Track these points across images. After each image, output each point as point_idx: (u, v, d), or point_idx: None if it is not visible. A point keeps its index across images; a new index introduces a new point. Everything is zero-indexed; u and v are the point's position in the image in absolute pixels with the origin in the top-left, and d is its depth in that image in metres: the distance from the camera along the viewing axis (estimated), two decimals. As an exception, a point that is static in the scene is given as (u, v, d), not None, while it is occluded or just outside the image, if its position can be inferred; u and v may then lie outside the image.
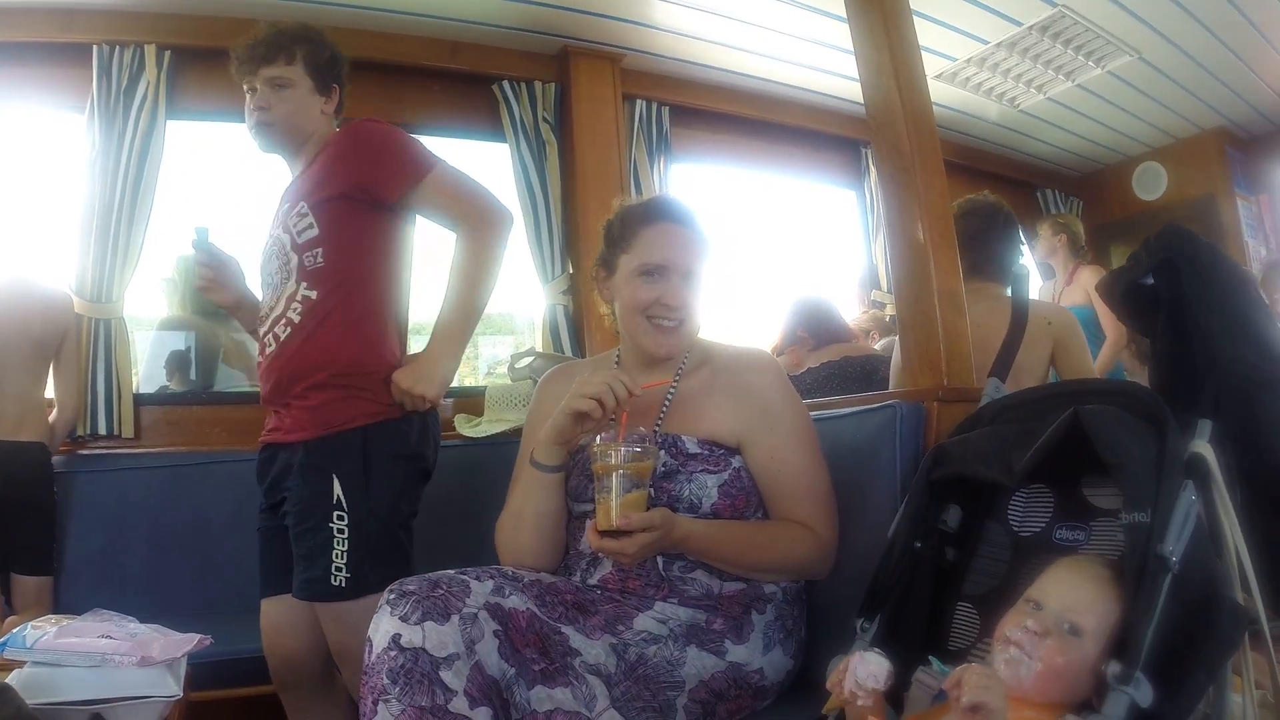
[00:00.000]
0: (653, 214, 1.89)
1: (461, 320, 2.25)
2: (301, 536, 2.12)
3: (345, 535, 2.07)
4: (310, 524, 2.10)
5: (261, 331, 2.28)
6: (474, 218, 2.25)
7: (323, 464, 2.11)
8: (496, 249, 2.26)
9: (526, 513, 1.80)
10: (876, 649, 1.33)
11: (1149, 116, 5.53)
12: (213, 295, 2.38)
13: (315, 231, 2.21)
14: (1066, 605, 1.22)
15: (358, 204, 2.21)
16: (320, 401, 2.14)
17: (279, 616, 2.26)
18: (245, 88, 2.37)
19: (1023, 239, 3.49)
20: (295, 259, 2.21)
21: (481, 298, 2.26)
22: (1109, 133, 5.77)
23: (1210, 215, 5.75)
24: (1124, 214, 6.24)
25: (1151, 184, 6.10)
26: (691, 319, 1.85)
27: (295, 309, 2.19)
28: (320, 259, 2.19)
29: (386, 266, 2.26)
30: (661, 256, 1.83)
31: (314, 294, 2.19)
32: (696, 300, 1.85)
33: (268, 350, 2.24)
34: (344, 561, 2.06)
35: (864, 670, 1.28)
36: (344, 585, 2.05)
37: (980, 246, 2.82)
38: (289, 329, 2.19)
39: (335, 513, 2.08)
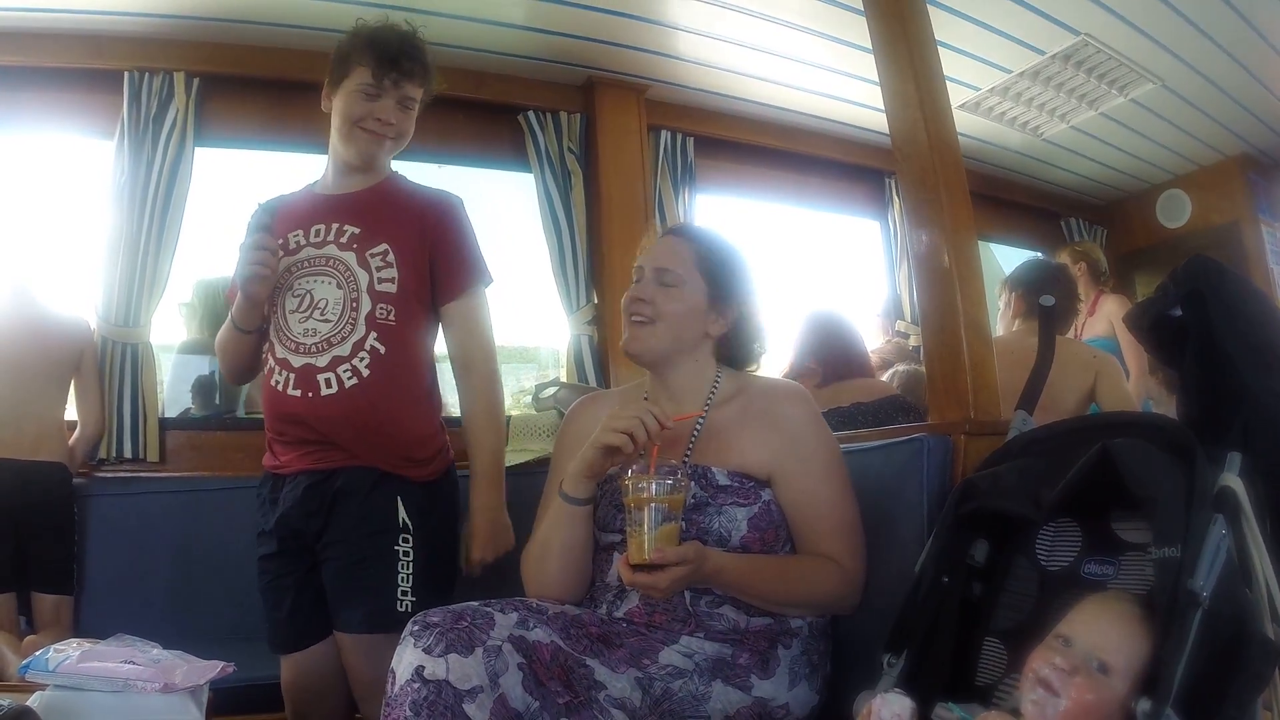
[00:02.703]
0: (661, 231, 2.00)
1: (498, 469, 2.27)
2: (362, 565, 2.06)
3: (411, 558, 2.05)
4: (374, 550, 2.06)
5: (298, 358, 2.14)
6: (490, 364, 2.31)
7: (387, 487, 2.10)
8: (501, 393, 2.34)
9: (553, 544, 1.79)
10: (898, 689, 1.32)
11: (1172, 144, 5.49)
12: (258, 286, 2.14)
13: (394, 288, 2.17)
14: (1095, 644, 1.20)
15: (427, 283, 2.22)
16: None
17: (311, 671, 2.18)
18: (364, 82, 2.23)
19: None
20: (369, 305, 2.15)
21: (502, 441, 2.34)
22: (1132, 160, 5.73)
23: (1235, 242, 5.69)
24: (1148, 242, 6.19)
25: (1175, 211, 6.05)
26: (665, 321, 1.84)
27: (363, 359, 2.13)
28: (392, 317, 2.16)
29: (432, 346, 2.29)
30: (640, 259, 1.91)
31: (383, 349, 2.14)
32: (670, 304, 1.84)
33: (323, 391, 2.11)
34: (409, 585, 2.04)
35: (888, 711, 1.27)
36: (408, 610, 1.98)
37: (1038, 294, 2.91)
38: (355, 379, 2.11)
39: (401, 535, 2.07)
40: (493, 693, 1.42)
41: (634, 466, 1.59)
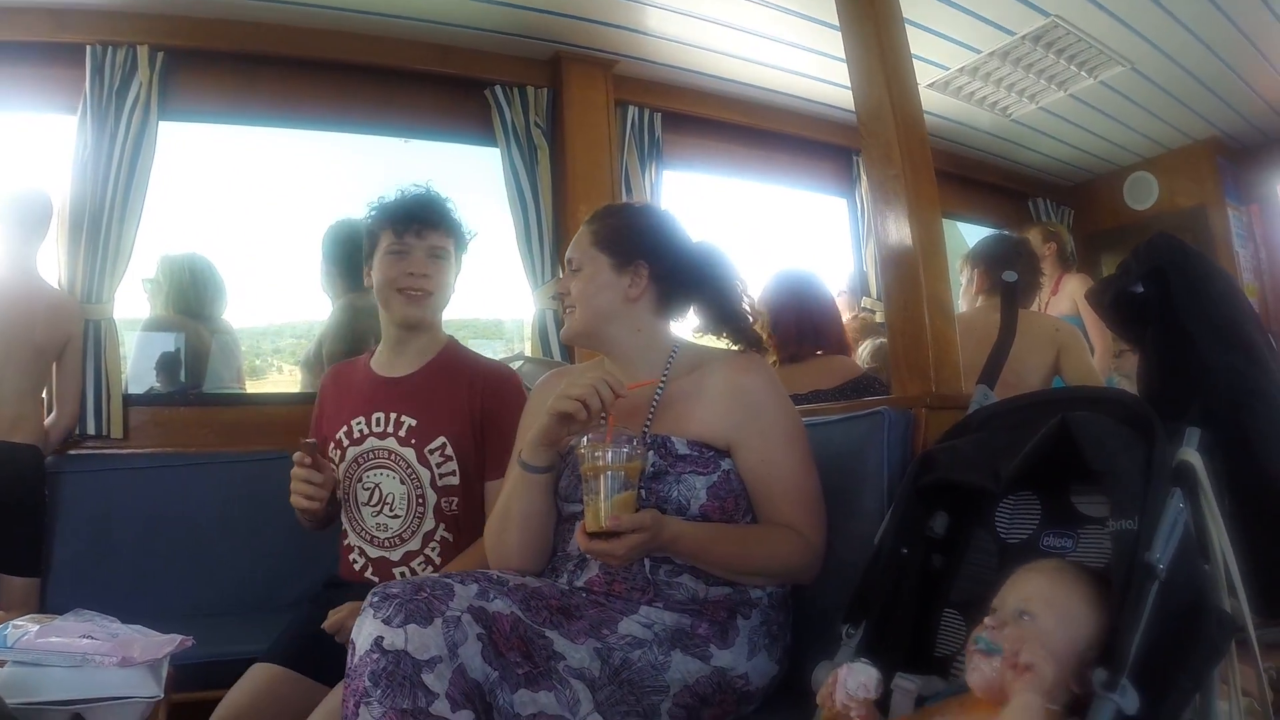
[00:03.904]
0: None
1: None
2: None
3: None
4: None
5: (374, 549, 2.21)
6: None
7: None
8: None
9: (513, 512, 1.80)
10: (864, 659, 1.32)
11: (1141, 126, 5.55)
12: (310, 505, 2.14)
13: (456, 480, 2.21)
14: (1017, 598, 1.25)
15: (483, 459, 2.22)
16: None
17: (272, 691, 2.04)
18: (390, 244, 2.24)
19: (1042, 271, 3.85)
20: (434, 498, 2.20)
21: None
22: (1100, 142, 5.78)
23: (1201, 225, 5.76)
24: (1115, 224, 6.25)
25: (1143, 194, 6.12)
26: (579, 303, 1.89)
27: (434, 549, 2.19)
28: (456, 506, 2.20)
29: None
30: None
31: (451, 536, 2.20)
32: (577, 286, 1.90)
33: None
34: None
35: (854, 681, 1.28)
36: None
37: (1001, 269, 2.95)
38: (428, 568, 2.17)
39: None
40: (452, 663, 1.41)
41: (591, 435, 1.61)
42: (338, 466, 2.24)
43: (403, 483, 2.21)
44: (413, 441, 2.22)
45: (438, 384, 2.28)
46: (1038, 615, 1.21)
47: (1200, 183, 5.88)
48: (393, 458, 2.22)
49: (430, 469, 2.20)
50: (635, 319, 1.91)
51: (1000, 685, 1.18)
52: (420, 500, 2.19)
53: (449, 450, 2.21)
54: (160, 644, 1.72)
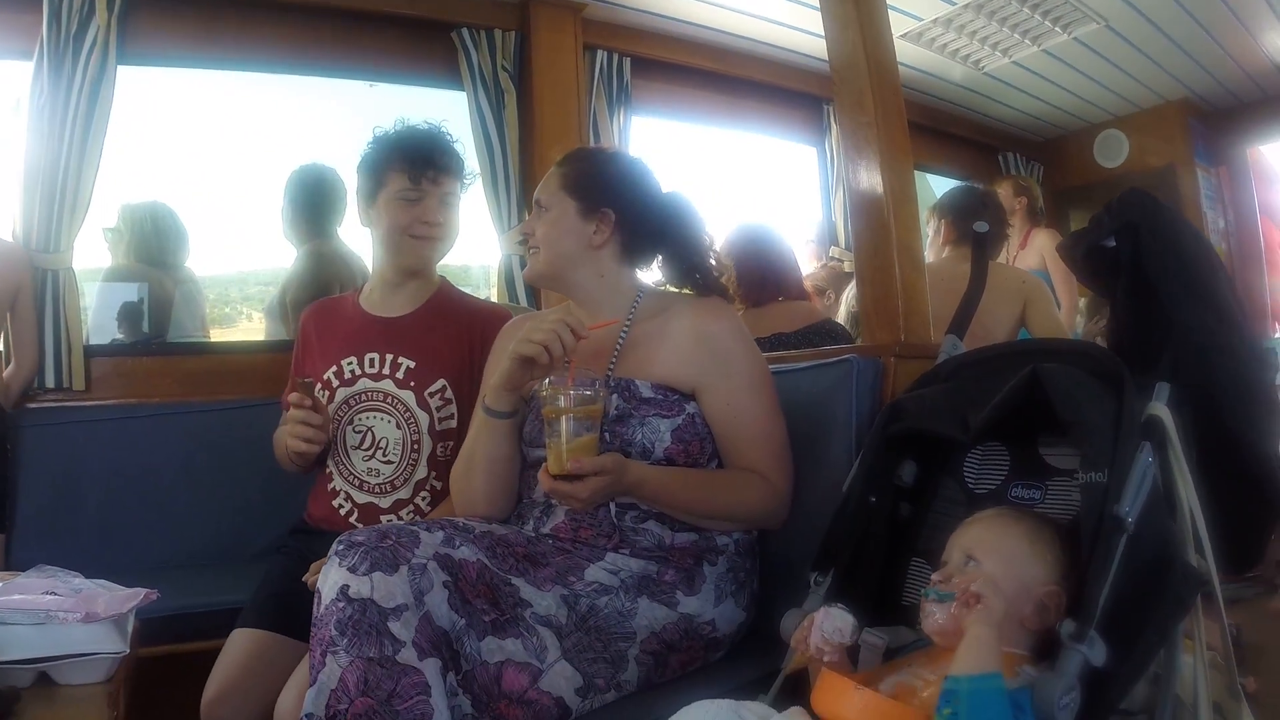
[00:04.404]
0: None
1: None
2: None
3: None
4: None
5: (361, 495, 2.16)
6: None
7: None
8: None
9: (478, 458, 1.80)
10: (840, 604, 1.33)
11: (1113, 85, 5.54)
12: (309, 448, 2.08)
13: (454, 424, 2.16)
14: (962, 547, 1.29)
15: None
16: None
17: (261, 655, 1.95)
18: (403, 188, 2.17)
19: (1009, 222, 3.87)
20: (430, 445, 2.15)
21: None
22: (1073, 99, 5.78)
23: (1170, 185, 5.78)
24: (1084, 181, 6.27)
25: (1113, 152, 6.13)
26: (542, 244, 1.88)
27: (424, 498, 2.15)
28: (449, 452, 2.12)
29: None
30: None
31: (441, 485, 2.13)
32: (541, 228, 1.88)
33: None
34: None
35: (830, 625, 1.29)
36: None
37: (970, 220, 2.93)
38: (417, 518, 2.10)
39: None
40: (418, 610, 1.41)
41: (552, 378, 1.61)
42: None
43: (399, 427, 2.16)
44: (412, 384, 2.17)
45: (435, 325, 2.24)
46: (981, 559, 1.25)
47: (1171, 143, 5.91)
48: (390, 401, 2.17)
49: (430, 413, 2.16)
50: (599, 264, 1.90)
51: (956, 629, 1.20)
52: (416, 446, 2.15)
53: (449, 393, 2.17)
54: (124, 598, 1.70)
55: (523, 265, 3.85)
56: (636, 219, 1.90)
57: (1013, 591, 1.20)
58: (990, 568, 1.23)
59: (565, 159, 1.97)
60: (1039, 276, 3.94)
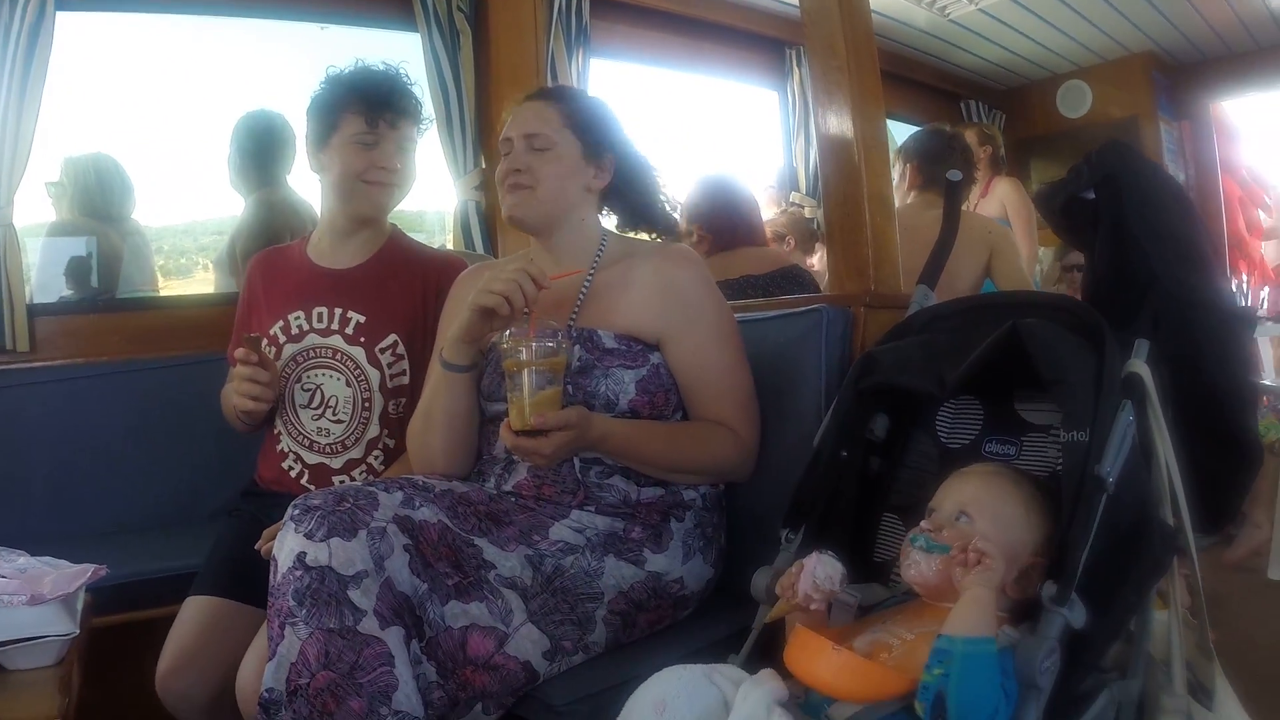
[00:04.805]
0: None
1: None
2: None
3: None
4: None
5: (312, 455, 2.08)
6: None
7: None
8: None
9: (436, 414, 1.74)
10: (831, 552, 1.30)
11: (1078, 34, 5.52)
12: (256, 406, 2.01)
13: (407, 380, 2.07)
14: (956, 501, 1.26)
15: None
16: None
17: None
18: (358, 132, 2.06)
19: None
20: (381, 403, 2.06)
21: None
22: (1036, 48, 5.76)
23: (1133, 137, 5.77)
24: (1046, 130, 6.28)
25: (1076, 102, 6.15)
26: (545, 184, 1.77)
27: (377, 457, 2.07)
28: (402, 409, 2.04)
29: None
30: (506, 130, 1.86)
31: (393, 443, 2.05)
32: (546, 167, 1.77)
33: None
34: None
35: (822, 572, 1.26)
36: None
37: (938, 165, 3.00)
38: (369, 476, 2.04)
39: None
40: (378, 576, 1.36)
41: (513, 330, 1.55)
42: None
43: (349, 385, 2.08)
44: (361, 340, 2.08)
45: (386, 276, 2.15)
46: (975, 518, 1.23)
47: (1134, 95, 5.92)
48: (338, 357, 2.09)
49: (381, 370, 2.07)
50: (588, 214, 1.85)
51: (940, 583, 1.19)
52: (367, 405, 2.07)
53: (400, 349, 2.09)
54: (72, 576, 1.62)
55: (480, 214, 3.83)
56: (631, 168, 1.86)
57: (1005, 556, 1.18)
58: (983, 528, 1.21)
59: (558, 94, 1.89)
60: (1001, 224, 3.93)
